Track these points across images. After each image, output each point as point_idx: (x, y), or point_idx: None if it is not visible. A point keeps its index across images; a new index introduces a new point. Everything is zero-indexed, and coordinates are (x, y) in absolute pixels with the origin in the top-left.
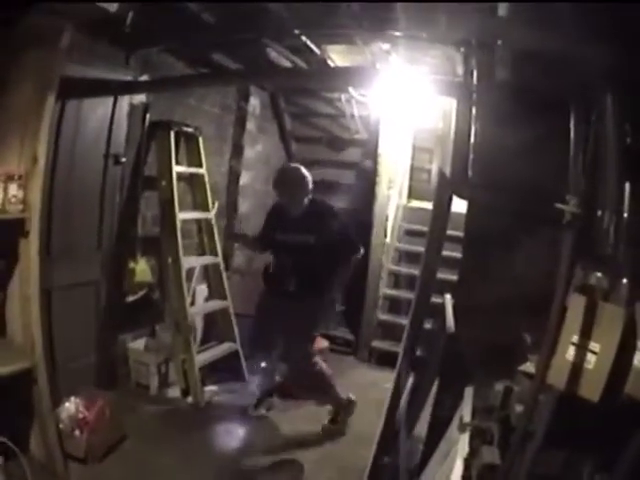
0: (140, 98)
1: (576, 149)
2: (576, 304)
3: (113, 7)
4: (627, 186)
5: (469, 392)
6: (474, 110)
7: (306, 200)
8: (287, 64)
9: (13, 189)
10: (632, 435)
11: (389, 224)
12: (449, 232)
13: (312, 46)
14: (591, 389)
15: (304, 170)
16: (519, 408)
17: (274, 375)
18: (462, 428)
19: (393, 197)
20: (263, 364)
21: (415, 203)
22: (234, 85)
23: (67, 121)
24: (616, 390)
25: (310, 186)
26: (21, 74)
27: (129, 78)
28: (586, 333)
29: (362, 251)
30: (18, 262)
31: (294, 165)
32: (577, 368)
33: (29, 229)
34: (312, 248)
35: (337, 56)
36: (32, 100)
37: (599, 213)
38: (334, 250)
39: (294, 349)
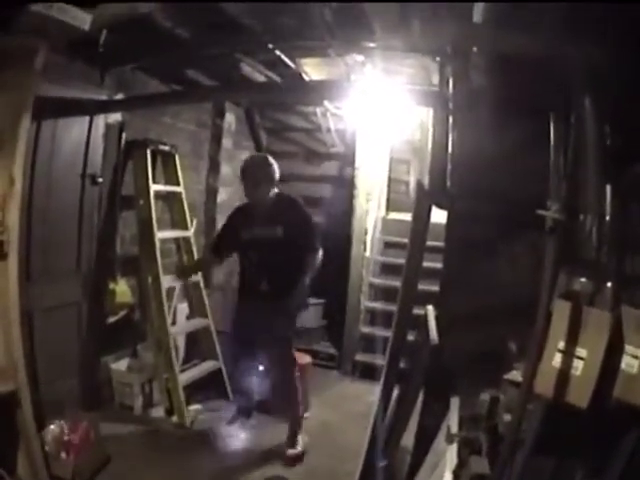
0: (116, 117)
1: (556, 153)
2: (561, 310)
3: (86, 25)
4: (608, 188)
5: (455, 402)
6: (451, 119)
7: (272, 191)
8: (261, 79)
9: None
10: (621, 440)
11: (368, 237)
12: (430, 243)
13: (286, 60)
14: (579, 395)
15: (271, 159)
16: (507, 417)
17: (253, 393)
18: (450, 439)
19: (372, 210)
20: (245, 379)
21: (394, 215)
22: (208, 101)
23: (43, 141)
24: (604, 395)
25: (276, 176)
26: None
27: (104, 97)
28: (572, 339)
29: (320, 253)
30: None
31: (260, 154)
32: (564, 375)
33: (8, 251)
34: (280, 242)
35: (311, 69)
36: (7, 121)
37: (581, 217)
38: (298, 245)
39: (276, 352)
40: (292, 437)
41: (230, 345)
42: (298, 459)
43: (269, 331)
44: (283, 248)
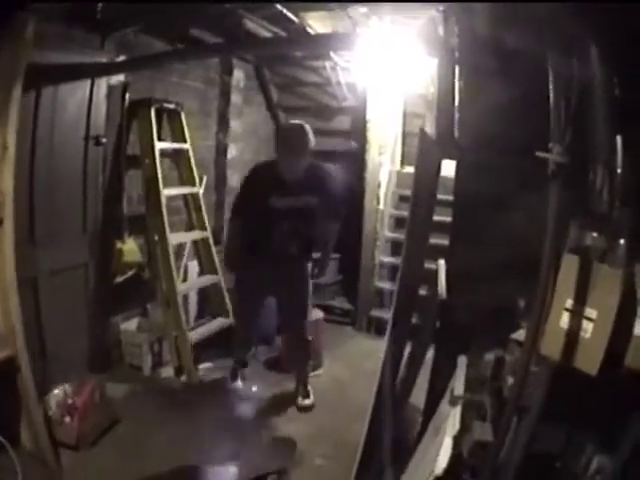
0: (118, 78)
1: (557, 98)
2: (569, 264)
3: None
4: (619, 140)
5: (462, 362)
6: (457, 69)
7: (307, 162)
8: (266, 34)
9: None
10: (634, 413)
11: (382, 190)
12: (443, 197)
13: (289, 14)
14: (589, 361)
15: (307, 127)
16: (511, 380)
17: (250, 346)
18: (453, 402)
19: (385, 163)
20: (247, 332)
21: (408, 169)
22: (213, 58)
23: (43, 107)
24: (616, 362)
25: (312, 145)
26: None
27: (105, 60)
28: (581, 298)
29: (342, 213)
30: None
31: (298, 123)
32: (572, 337)
33: (3, 216)
34: (313, 210)
35: (316, 22)
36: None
37: (591, 169)
38: (323, 210)
39: (299, 314)
40: (304, 389)
41: (238, 304)
42: (309, 409)
43: (291, 294)
44: (314, 216)
